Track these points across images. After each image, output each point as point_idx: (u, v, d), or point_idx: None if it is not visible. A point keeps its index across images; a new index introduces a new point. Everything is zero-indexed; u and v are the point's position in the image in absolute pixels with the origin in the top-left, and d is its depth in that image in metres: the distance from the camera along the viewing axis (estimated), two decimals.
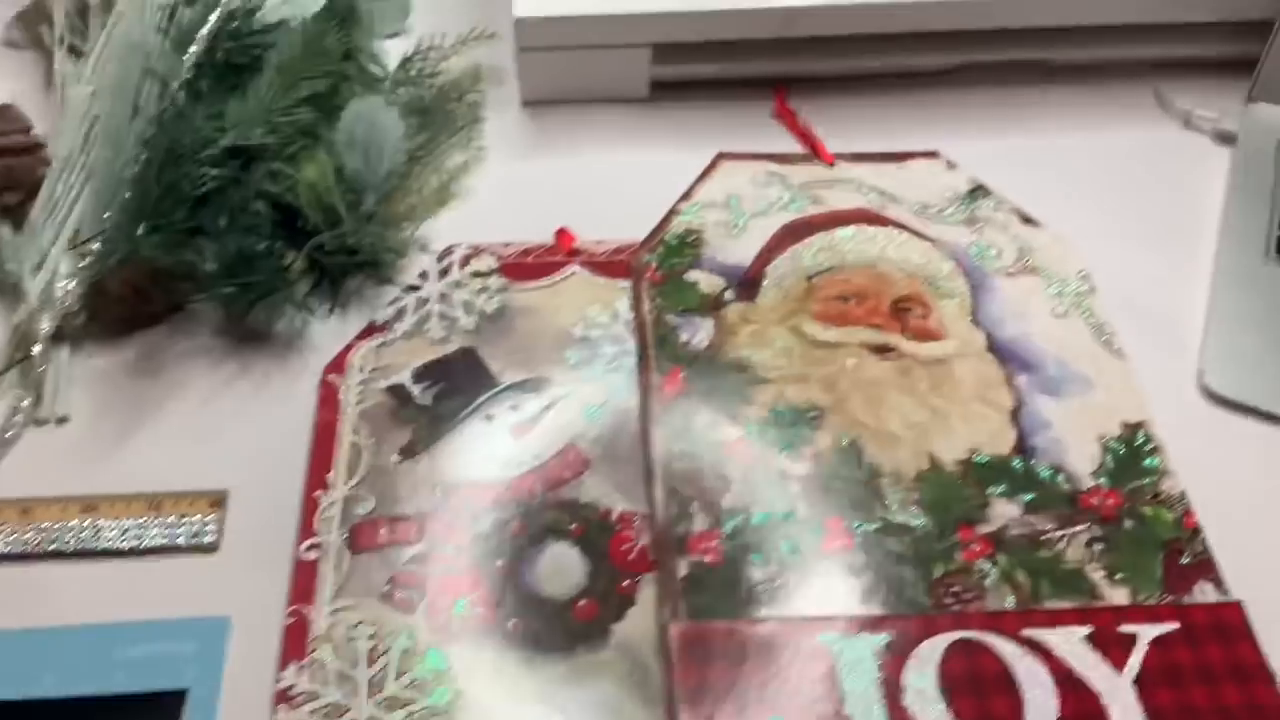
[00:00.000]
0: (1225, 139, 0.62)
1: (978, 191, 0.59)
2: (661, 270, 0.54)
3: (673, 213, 0.57)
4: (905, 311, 0.53)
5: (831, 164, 0.60)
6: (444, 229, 0.57)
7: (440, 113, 0.61)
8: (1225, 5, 0.62)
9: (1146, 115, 0.65)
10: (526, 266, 0.55)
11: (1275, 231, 0.56)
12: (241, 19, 0.57)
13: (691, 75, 0.64)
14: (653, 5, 0.59)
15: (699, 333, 0.52)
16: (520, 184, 0.60)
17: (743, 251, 0.56)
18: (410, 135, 0.59)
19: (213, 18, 0.56)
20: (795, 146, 0.62)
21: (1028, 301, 0.54)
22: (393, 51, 0.64)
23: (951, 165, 0.60)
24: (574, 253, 0.56)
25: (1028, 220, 0.57)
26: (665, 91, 0.65)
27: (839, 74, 0.65)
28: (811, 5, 0.60)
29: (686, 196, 0.58)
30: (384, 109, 0.56)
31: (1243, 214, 0.57)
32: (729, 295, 0.54)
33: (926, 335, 0.52)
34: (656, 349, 0.51)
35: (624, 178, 0.60)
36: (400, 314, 0.53)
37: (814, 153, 0.61)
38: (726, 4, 0.60)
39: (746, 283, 0.54)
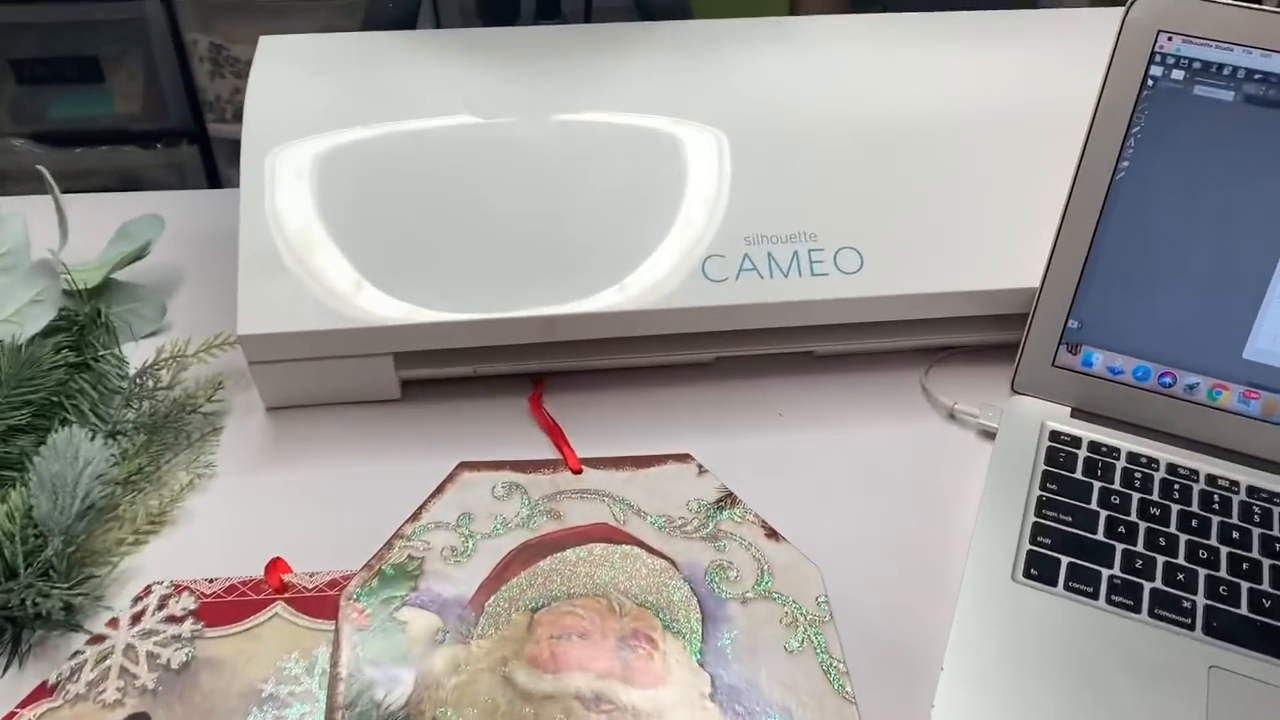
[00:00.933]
0: (987, 434, 0.61)
1: (725, 501, 0.57)
2: (370, 609, 0.51)
3: (396, 536, 0.54)
4: (629, 650, 0.50)
5: (578, 472, 0.58)
6: (151, 561, 0.54)
7: (172, 427, 0.59)
8: (986, 301, 0.62)
9: (913, 406, 0.63)
10: (226, 607, 0.51)
11: (1025, 547, 0.54)
12: None
13: (444, 375, 0.62)
14: (390, 316, 0.58)
15: (398, 688, 0.48)
16: (247, 503, 0.57)
17: (466, 581, 0.52)
18: (130, 457, 0.56)
19: None
20: (546, 444, 0.60)
21: (761, 634, 0.51)
22: (144, 355, 0.62)
23: (702, 470, 0.58)
24: (283, 588, 0.52)
25: (772, 534, 0.55)
26: (419, 389, 0.63)
27: (597, 369, 0.63)
28: (570, 313, 0.59)
29: (415, 516, 0.55)
30: (85, 441, 0.53)
31: (994, 526, 0.55)
32: (441, 636, 0.50)
33: (647, 680, 0.49)
34: (346, 711, 0.47)
35: (362, 490, 0.58)
36: (77, 671, 0.49)
37: (563, 458, 0.59)
38: (473, 313, 0.59)
39: (463, 621, 0.51)
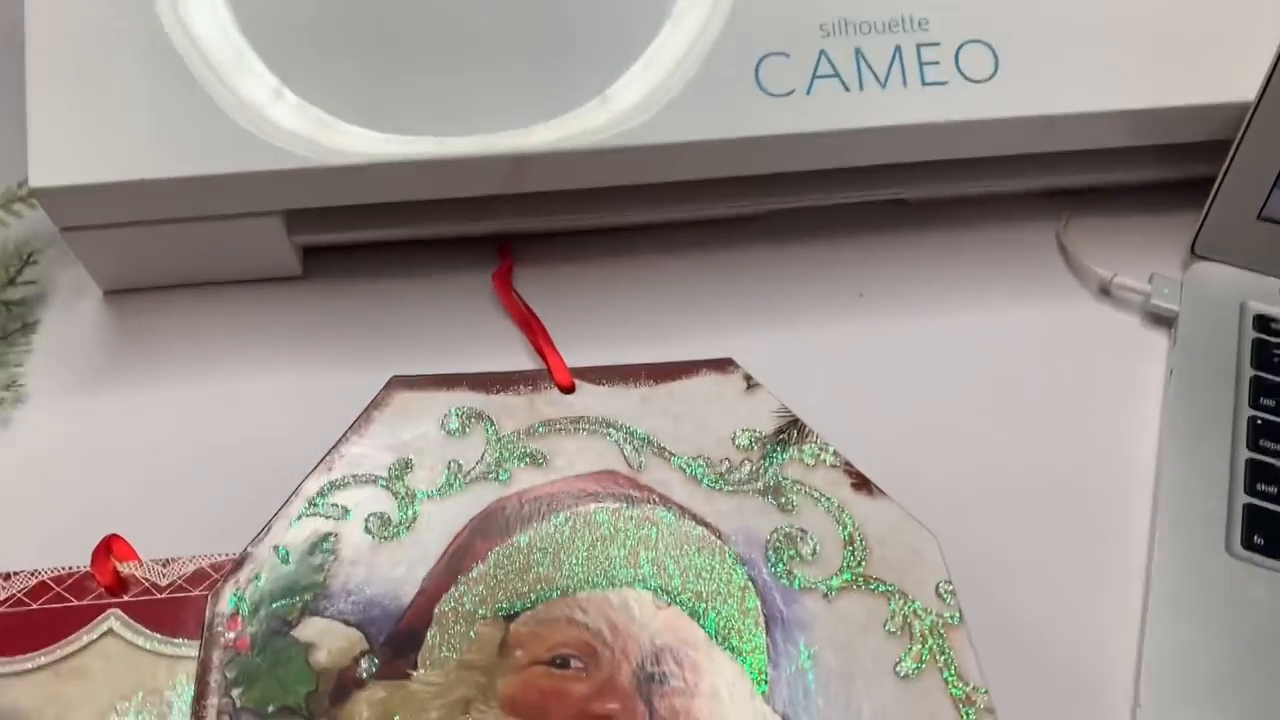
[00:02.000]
0: (1161, 319, 0.42)
1: (788, 432, 0.38)
2: (254, 625, 0.33)
3: (295, 495, 0.35)
4: (658, 682, 0.32)
5: (569, 388, 0.39)
6: None
7: None
8: (1171, 122, 0.42)
9: (1049, 276, 0.44)
10: (29, 622, 0.33)
11: (1240, 500, 0.36)
12: None
13: (364, 240, 0.42)
14: (271, 154, 0.37)
15: None
16: (69, 444, 0.38)
17: (403, 571, 0.34)
18: None
19: None
20: (520, 346, 0.41)
21: (856, 648, 0.33)
22: None
23: (751, 383, 0.39)
24: (120, 585, 0.34)
25: (862, 484, 0.37)
26: (327, 260, 0.43)
27: (591, 229, 0.44)
28: (550, 150, 0.38)
29: (326, 464, 0.36)
30: None
31: (1187, 469, 0.37)
32: (366, 666, 0.32)
33: None
34: None
35: (243, 421, 0.39)
36: None
37: (546, 369, 0.40)
38: (403, 147, 0.38)
39: (399, 639, 0.33)
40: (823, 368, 0.41)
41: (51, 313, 0.41)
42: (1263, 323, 0.41)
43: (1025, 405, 0.40)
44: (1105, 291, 0.43)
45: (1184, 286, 0.42)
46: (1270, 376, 0.39)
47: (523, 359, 0.41)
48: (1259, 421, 0.38)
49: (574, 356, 0.40)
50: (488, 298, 0.42)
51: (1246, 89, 0.40)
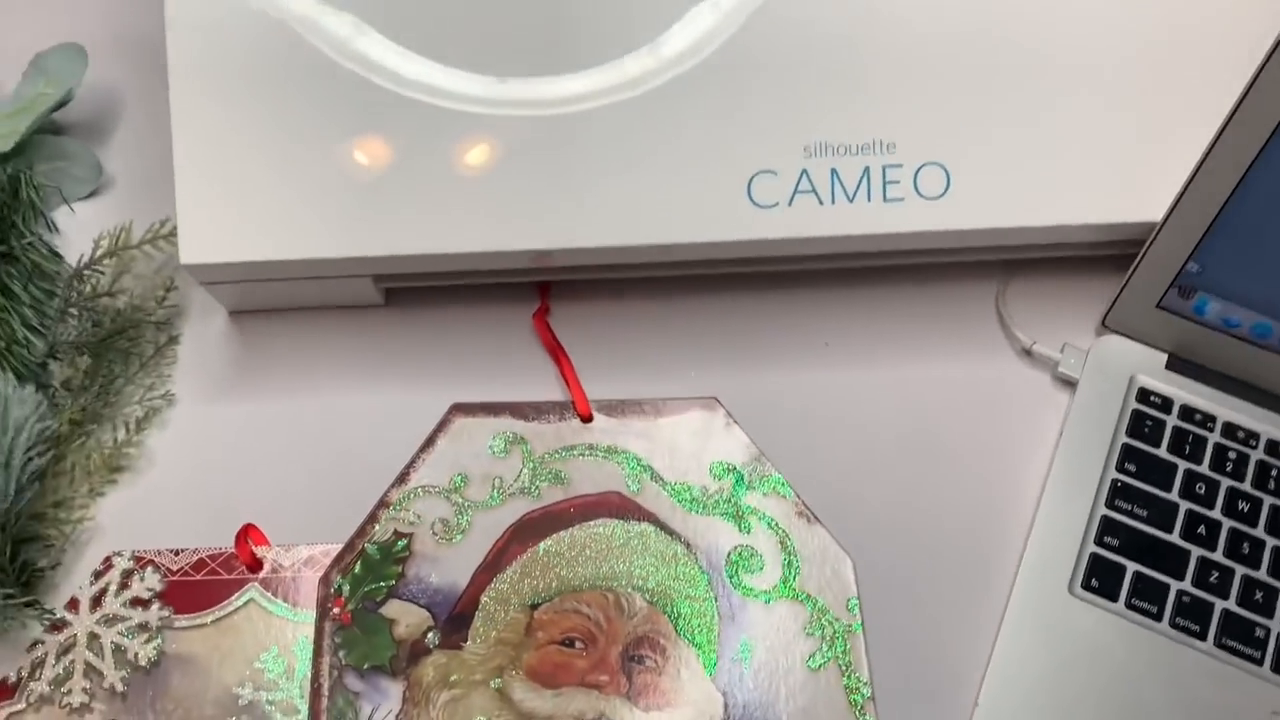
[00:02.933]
0: (1067, 383, 0.52)
1: (754, 466, 0.49)
2: (353, 603, 0.46)
3: (381, 505, 0.48)
4: (637, 662, 0.46)
5: (588, 418, 0.51)
6: (107, 519, 0.48)
7: (118, 346, 0.51)
8: (1093, 232, 0.51)
9: (984, 335, 0.54)
10: (196, 589, 0.46)
11: (1089, 549, 0.48)
12: None
13: (431, 283, 0.53)
14: (361, 246, 0.47)
15: (384, 703, 0.44)
16: (211, 443, 0.50)
17: (459, 567, 0.47)
18: (75, 392, 0.49)
19: None
20: (553, 375, 0.52)
21: (782, 644, 0.46)
22: (82, 222, 0.53)
23: (730, 420, 0.50)
24: (256, 564, 0.47)
25: (804, 512, 0.48)
26: (406, 294, 0.54)
27: (611, 280, 0.54)
28: (570, 247, 0.48)
29: (403, 478, 0.49)
30: (15, 397, 0.45)
31: (1057, 518, 0.48)
32: (432, 638, 0.46)
33: (655, 700, 0.45)
34: None
35: (341, 426, 0.51)
36: (39, 667, 0.45)
37: (571, 399, 0.51)
38: (456, 246, 0.48)
39: (455, 619, 0.46)
40: (789, 407, 0.52)
41: (190, 327, 0.53)
42: (1144, 395, 0.51)
43: (945, 450, 0.51)
44: (1027, 353, 0.53)
45: (1089, 355, 0.52)
46: (1137, 444, 0.50)
47: (554, 387, 0.52)
48: (1118, 484, 0.49)
49: (594, 379, 0.51)
50: (530, 331, 0.53)
51: (1156, 209, 0.48)
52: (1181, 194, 0.47)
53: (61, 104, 0.54)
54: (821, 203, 0.48)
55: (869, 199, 0.48)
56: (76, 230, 0.54)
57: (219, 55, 0.48)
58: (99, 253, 0.51)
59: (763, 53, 0.48)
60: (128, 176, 0.56)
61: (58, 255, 0.51)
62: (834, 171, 0.48)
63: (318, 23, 0.48)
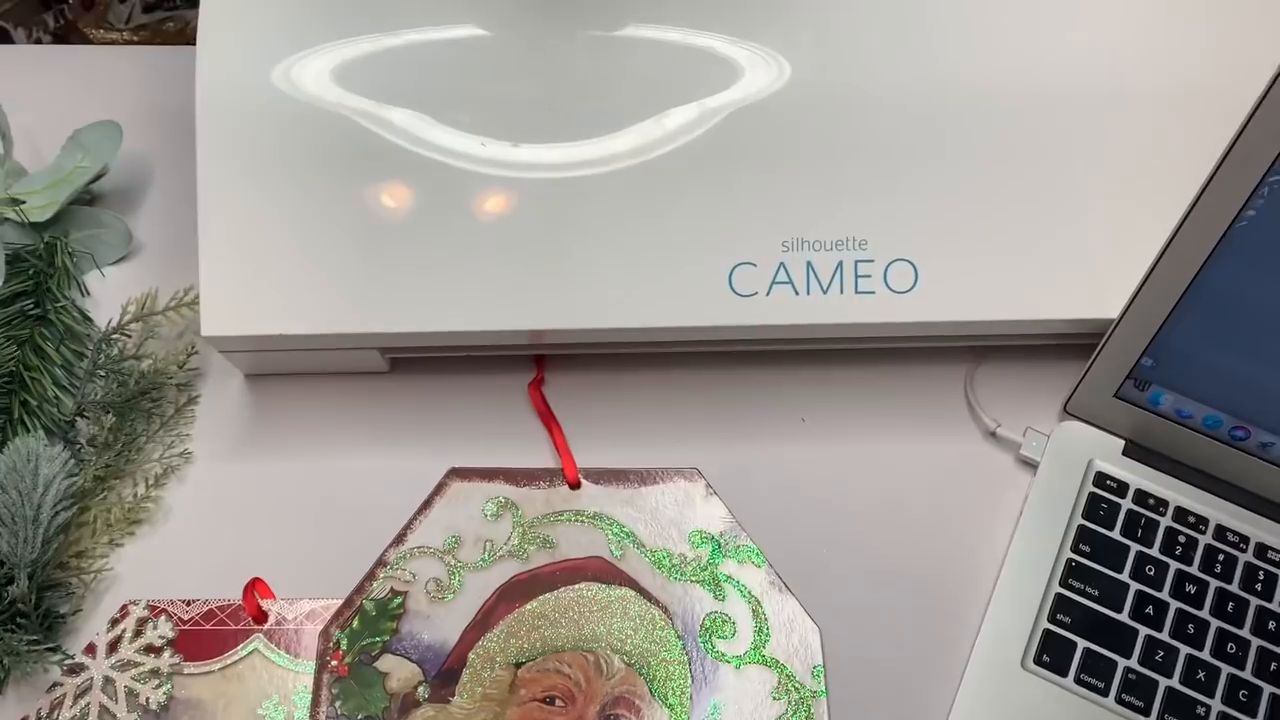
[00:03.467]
0: (1029, 465, 0.56)
1: (730, 536, 0.53)
2: (350, 656, 0.49)
3: (379, 564, 0.51)
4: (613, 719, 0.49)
5: (576, 485, 0.54)
6: (126, 569, 0.52)
7: (141, 406, 0.54)
8: (1057, 327, 0.54)
9: (952, 415, 0.57)
10: (204, 638, 0.50)
11: (1042, 625, 0.51)
12: None
13: (434, 354, 0.56)
14: (371, 323, 0.51)
15: None
16: (225, 499, 0.54)
17: (450, 624, 0.50)
18: (100, 449, 0.53)
19: None
20: (545, 442, 0.56)
21: (749, 708, 0.49)
22: (112, 287, 0.57)
23: (709, 491, 0.54)
24: (262, 616, 0.51)
25: (775, 581, 0.52)
26: (409, 363, 0.57)
27: (602, 354, 0.57)
28: (563, 328, 0.52)
29: (400, 538, 0.52)
30: (44, 455, 0.49)
31: (1013, 595, 0.51)
32: (422, 692, 0.49)
33: None
34: None
35: (346, 487, 0.54)
36: (57, 707, 0.48)
37: (561, 465, 0.54)
38: (456, 324, 0.52)
39: (445, 674, 0.49)
40: (766, 479, 0.55)
41: (208, 388, 0.56)
42: (1101, 479, 0.54)
43: (911, 526, 0.54)
44: (993, 434, 0.56)
45: (1050, 439, 0.55)
46: (1092, 526, 0.53)
47: (546, 453, 0.56)
48: (1073, 564, 0.52)
49: (583, 447, 0.55)
50: (525, 400, 0.57)
51: (1114, 306, 0.51)
52: (1136, 292, 0.51)
53: (98, 177, 0.58)
54: (797, 293, 0.51)
55: (841, 291, 0.51)
56: (106, 294, 0.58)
57: (243, 137, 0.52)
58: (126, 318, 0.55)
59: (742, 149, 0.52)
60: (156, 243, 0.60)
61: (88, 319, 0.55)
62: (809, 265, 0.51)
63: (339, 109, 0.52)
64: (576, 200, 0.52)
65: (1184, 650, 0.50)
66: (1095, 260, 0.52)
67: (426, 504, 0.53)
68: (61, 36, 1.25)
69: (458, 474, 0.54)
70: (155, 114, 0.62)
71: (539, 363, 0.58)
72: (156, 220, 0.60)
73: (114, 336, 0.54)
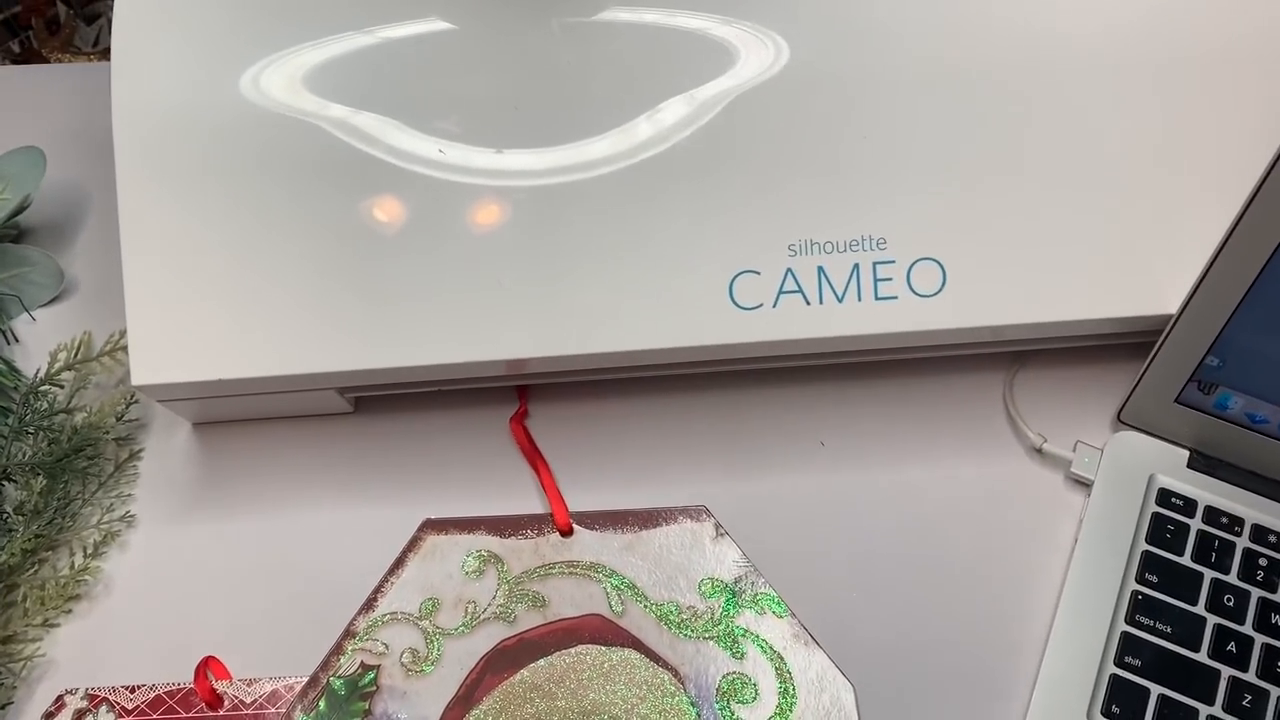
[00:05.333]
0: (1081, 483, 0.49)
1: (746, 583, 0.46)
2: None
3: (346, 635, 0.45)
4: None
5: (568, 533, 0.48)
6: (61, 652, 0.46)
7: (75, 466, 0.48)
8: (1100, 326, 0.47)
9: (990, 431, 0.50)
10: None
11: (1109, 670, 0.44)
12: None
13: (402, 391, 0.50)
14: (322, 361, 0.45)
15: None
16: (171, 568, 0.48)
17: (430, 701, 0.44)
18: (28, 518, 0.46)
19: None
20: (531, 483, 0.49)
21: None
22: (43, 331, 0.51)
23: (720, 531, 0.47)
24: (216, 700, 0.44)
25: (801, 635, 0.45)
26: (371, 401, 0.51)
27: (591, 381, 0.51)
28: (546, 356, 0.46)
29: (370, 604, 0.46)
30: None
31: (1073, 637, 0.45)
32: None
33: None
34: None
35: (307, 545, 0.48)
36: None
37: (550, 510, 0.48)
38: (425, 358, 0.45)
39: None
40: (783, 515, 0.49)
41: (151, 441, 0.50)
42: (1165, 497, 0.47)
43: (951, 560, 0.48)
44: (1038, 451, 0.50)
45: (1104, 454, 0.49)
46: (1159, 552, 0.46)
47: (533, 495, 0.49)
48: (1139, 597, 0.45)
49: (574, 487, 0.48)
50: (506, 437, 0.51)
51: (1170, 301, 0.45)
52: (1198, 283, 0.44)
53: (19, 210, 0.52)
54: (809, 303, 0.45)
55: (859, 298, 0.45)
56: (36, 339, 0.52)
57: (167, 158, 0.46)
58: (57, 366, 0.49)
59: (740, 144, 0.45)
60: (91, 282, 0.54)
61: (14, 370, 0.49)
62: (821, 270, 0.45)
63: (277, 121, 0.46)
64: (556, 210, 0.46)
65: (1275, 692, 0.44)
66: (1145, 249, 0.46)
67: (399, 562, 0.47)
68: (24, 61, 1.19)
69: (433, 526, 0.48)
70: (84, 135, 0.56)
71: (521, 394, 0.51)
72: (91, 256, 0.54)
73: (42, 389, 0.48)
